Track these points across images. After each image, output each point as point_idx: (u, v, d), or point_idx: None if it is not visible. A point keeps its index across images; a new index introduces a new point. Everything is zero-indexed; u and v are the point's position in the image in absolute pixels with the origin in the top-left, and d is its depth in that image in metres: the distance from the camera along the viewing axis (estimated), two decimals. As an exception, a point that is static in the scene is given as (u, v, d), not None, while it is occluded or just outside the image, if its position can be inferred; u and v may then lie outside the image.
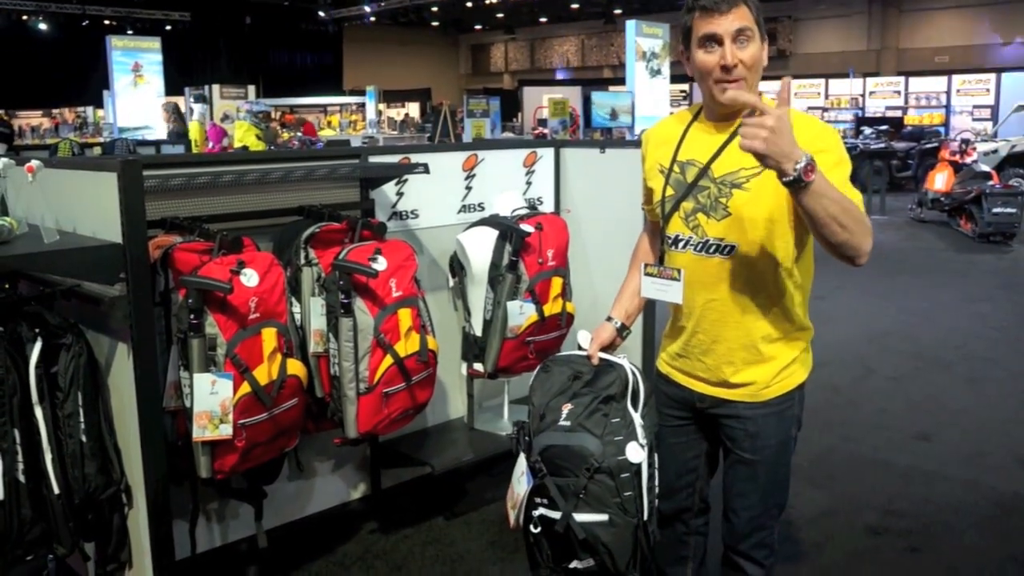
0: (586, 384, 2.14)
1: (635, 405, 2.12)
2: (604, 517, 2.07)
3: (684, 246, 2.10)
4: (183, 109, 12.53)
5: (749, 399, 2.12)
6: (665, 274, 2.13)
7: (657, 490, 2.16)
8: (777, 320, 2.09)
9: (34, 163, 2.36)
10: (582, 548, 2.11)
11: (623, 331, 2.27)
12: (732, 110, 1.99)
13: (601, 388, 2.12)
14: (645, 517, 2.10)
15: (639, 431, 2.08)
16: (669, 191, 2.10)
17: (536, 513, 2.15)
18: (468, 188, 3.66)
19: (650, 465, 2.11)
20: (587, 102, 11.78)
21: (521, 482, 2.17)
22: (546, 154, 3.89)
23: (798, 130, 1.77)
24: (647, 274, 2.17)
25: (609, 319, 2.27)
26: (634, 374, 2.13)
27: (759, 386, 2.11)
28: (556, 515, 2.09)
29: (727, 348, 2.11)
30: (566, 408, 2.12)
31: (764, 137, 1.69)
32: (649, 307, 3.58)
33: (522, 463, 2.18)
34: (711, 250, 2.05)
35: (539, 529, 2.15)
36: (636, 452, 2.07)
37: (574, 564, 2.15)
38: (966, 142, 11.87)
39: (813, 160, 1.71)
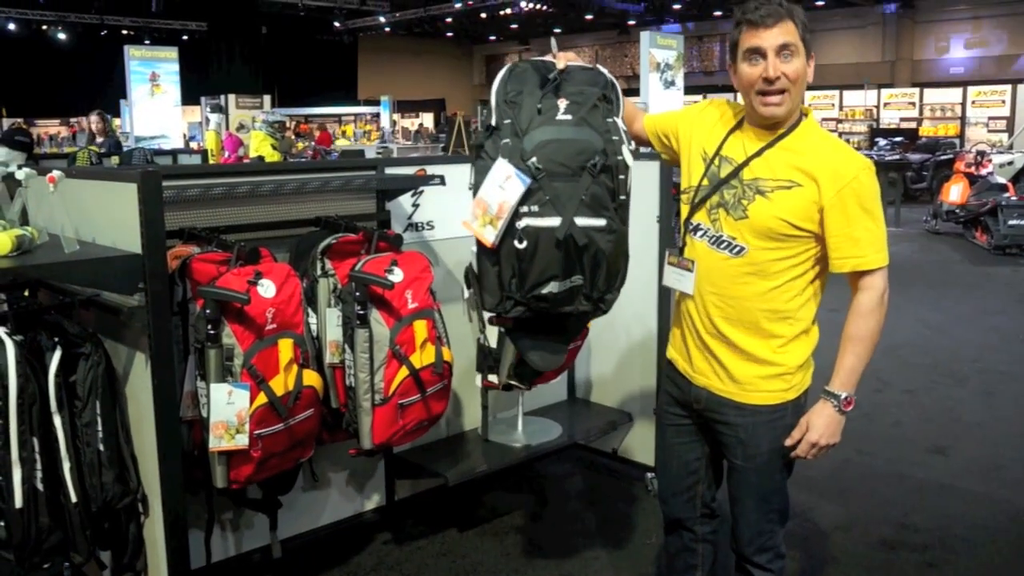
0: (563, 83, 2.02)
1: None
2: (602, 222, 1.94)
3: (701, 236, 2.16)
4: (200, 118, 12.57)
5: (737, 398, 2.15)
6: (682, 264, 2.20)
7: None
8: (771, 327, 2.12)
9: (55, 173, 2.39)
10: (578, 259, 1.94)
11: None
12: (771, 122, 2.07)
13: (587, 84, 2.02)
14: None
15: (624, 136, 2.04)
16: (704, 182, 2.16)
17: (521, 224, 1.95)
18: (483, 199, 3.66)
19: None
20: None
21: (506, 188, 1.92)
22: (561, 166, 3.89)
23: (835, 171, 1.99)
24: (669, 263, 2.24)
25: None
26: (612, 80, 2.09)
27: (747, 387, 2.15)
28: (552, 222, 1.92)
29: (720, 342, 2.16)
30: (563, 102, 1.98)
31: (825, 445, 2.14)
32: (664, 302, 3.58)
33: (504, 167, 1.94)
34: (721, 245, 2.11)
35: (524, 244, 1.96)
36: (630, 155, 1.98)
37: (548, 289, 1.96)
38: (981, 154, 11.82)
39: (843, 398, 2.17)
